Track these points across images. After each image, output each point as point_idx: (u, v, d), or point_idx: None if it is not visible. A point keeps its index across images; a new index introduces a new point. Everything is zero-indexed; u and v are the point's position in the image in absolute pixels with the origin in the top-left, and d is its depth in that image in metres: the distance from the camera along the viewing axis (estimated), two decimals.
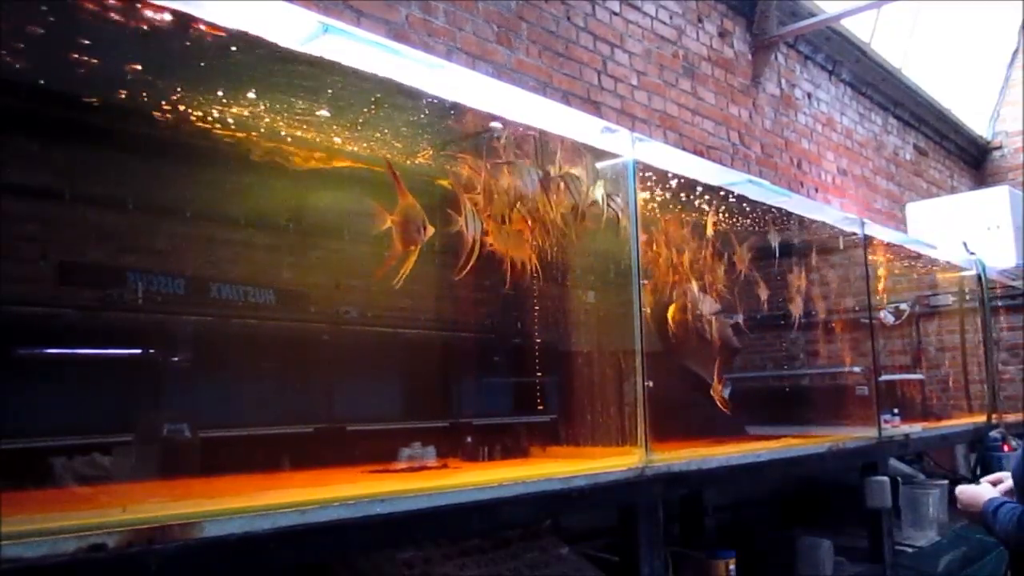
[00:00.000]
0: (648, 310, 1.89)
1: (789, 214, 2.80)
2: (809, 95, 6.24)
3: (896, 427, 2.96)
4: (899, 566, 2.72)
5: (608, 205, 1.95)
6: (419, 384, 2.61)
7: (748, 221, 2.75)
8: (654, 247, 2.39)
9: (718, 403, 2.38)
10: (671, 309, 2.54)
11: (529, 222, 1.83)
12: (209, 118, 1.70)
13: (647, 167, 2.06)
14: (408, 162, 1.99)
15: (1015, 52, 8.78)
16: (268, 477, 1.66)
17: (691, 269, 2.47)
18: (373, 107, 1.71)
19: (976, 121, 8.68)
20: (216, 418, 1.96)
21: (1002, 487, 2.21)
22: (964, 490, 2.27)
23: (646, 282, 1.93)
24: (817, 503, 2.93)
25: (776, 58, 5.84)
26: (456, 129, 1.83)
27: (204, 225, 2.15)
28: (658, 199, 2.37)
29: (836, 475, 2.77)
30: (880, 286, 3.73)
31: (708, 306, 2.68)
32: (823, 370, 3.48)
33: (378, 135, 1.90)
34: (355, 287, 2.43)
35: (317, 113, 1.76)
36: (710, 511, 2.48)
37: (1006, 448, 3.48)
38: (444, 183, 1.84)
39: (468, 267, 1.66)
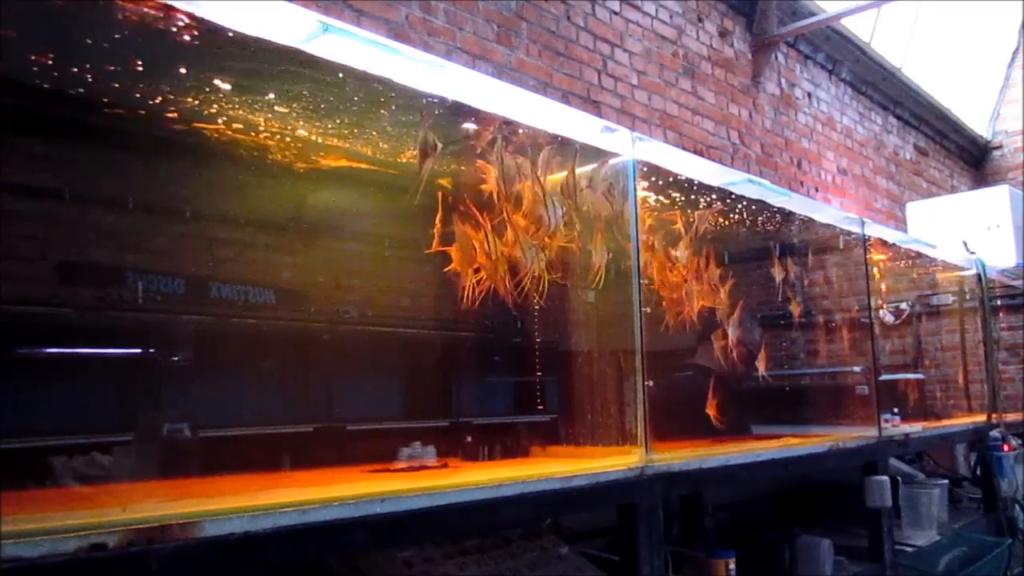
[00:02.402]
0: (648, 309, 1.88)
1: (789, 213, 2.80)
2: (809, 95, 6.23)
3: (896, 427, 2.96)
4: (899, 565, 2.72)
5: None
6: (419, 384, 2.61)
7: (748, 221, 2.74)
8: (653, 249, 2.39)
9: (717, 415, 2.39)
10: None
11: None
12: (208, 117, 1.70)
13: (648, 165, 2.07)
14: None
15: (1015, 52, 8.78)
16: (268, 476, 1.66)
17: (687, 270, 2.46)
18: (381, 107, 1.71)
19: (976, 121, 8.67)
20: (216, 418, 1.96)
21: None
22: None
23: (645, 280, 1.93)
24: (817, 502, 2.93)
25: (776, 58, 5.83)
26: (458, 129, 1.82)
27: (204, 225, 2.15)
28: (656, 201, 2.37)
29: (836, 474, 2.77)
30: (882, 287, 3.73)
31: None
32: (823, 369, 3.48)
33: (379, 135, 1.90)
34: (355, 287, 2.43)
35: (317, 112, 1.76)
36: (710, 511, 2.48)
37: (1006, 448, 3.48)
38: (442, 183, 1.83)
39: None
